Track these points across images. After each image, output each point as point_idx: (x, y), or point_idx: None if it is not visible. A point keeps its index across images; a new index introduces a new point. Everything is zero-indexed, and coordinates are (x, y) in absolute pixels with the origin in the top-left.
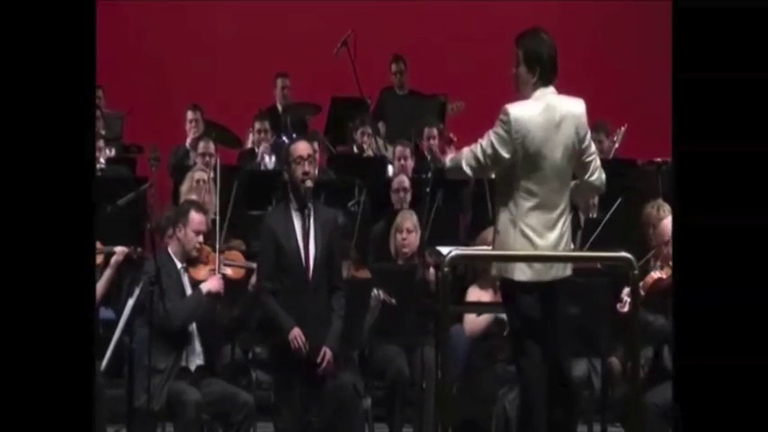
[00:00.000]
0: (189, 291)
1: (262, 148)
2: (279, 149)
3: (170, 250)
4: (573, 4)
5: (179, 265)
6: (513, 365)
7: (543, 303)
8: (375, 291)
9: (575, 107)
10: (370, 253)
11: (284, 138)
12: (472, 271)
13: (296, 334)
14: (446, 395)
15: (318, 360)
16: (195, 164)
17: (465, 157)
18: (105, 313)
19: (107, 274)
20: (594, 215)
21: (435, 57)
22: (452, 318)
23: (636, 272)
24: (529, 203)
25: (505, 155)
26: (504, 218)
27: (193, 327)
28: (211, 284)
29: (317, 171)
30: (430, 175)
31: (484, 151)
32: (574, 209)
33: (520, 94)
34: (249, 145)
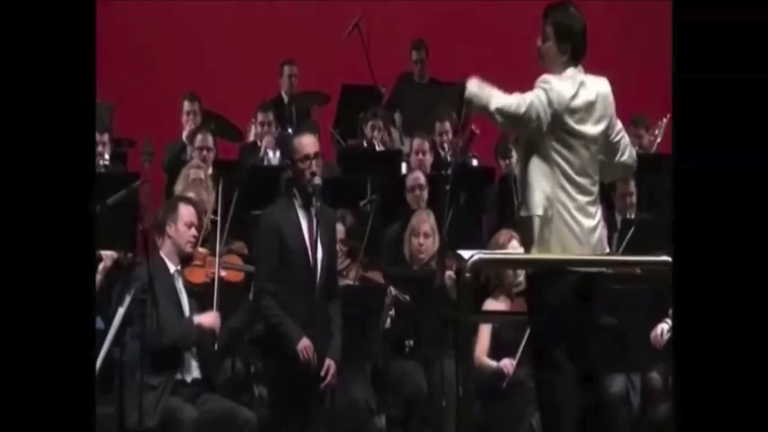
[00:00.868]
0: (184, 297)
1: (265, 142)
2: (284, 143)
3: (162, 254)
4: None
5: (172, 268)
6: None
7: (578, 302)
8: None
9: (603, 86)
10: (382, 257)
11: (289, 130)
12: (496, 278)
13: (306, 345)
14: (468, 413)
15: (323, 373)
16: (191, 159)
17: (501, 99)
18: None
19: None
20: (632, 215)
21: (454, 39)
22: (474, 328)
23: None
24: (568, 187)
25: (546, 118)
26: (540, 204)
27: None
28: (206, 319)
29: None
30: (450, 171)
31: (530, 104)
32: (609, 207)
33: (547, 70)
34: (251, 138)
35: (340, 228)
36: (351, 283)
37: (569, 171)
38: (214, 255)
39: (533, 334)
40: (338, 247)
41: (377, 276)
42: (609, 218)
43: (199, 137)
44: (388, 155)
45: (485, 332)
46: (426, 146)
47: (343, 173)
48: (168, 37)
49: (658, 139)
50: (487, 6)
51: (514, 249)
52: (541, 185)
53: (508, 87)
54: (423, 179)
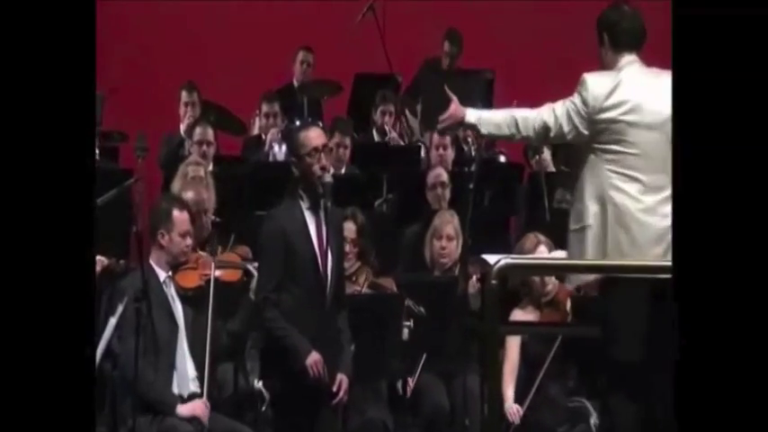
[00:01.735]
0: (177, 306)
1: (270, 135)
2: (289, 138)
3: (152, 261)
4: None
5: (162, 276)
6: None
7: (653, 311)
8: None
9: (664, 80)
10: (399, 262)
11: (298, 122)
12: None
13: (315, 360)
14: None
15: (335, 389)
16: (190, 154)
17: (526, 120)
18: None
19: None
20: None
21: (480, 24)
22: (501, 340)
23: None
24: (627, 188)
25: (584, 130)
26: (590, 213)
27: (185, 347)
28: (193, 410)
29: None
30: (474, 167)
31: (557, 119)
32: None
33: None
34: (256, 131)
35: (350, 227)
36: (360, 289)
37: (625, 170)
38: (211, 257)
39: (607, 350)
40: (347, 248)
41: (388, 283)
42: None
43: (198, 130)
44: (407, 149)
45: (513, 345)
46: (448, 140)
47: (355, 168)
48: (164, 21)
49: None
50: None
51: (545, 254)
52: (591, 191)
53: (541, 78)
54: (444, 176)
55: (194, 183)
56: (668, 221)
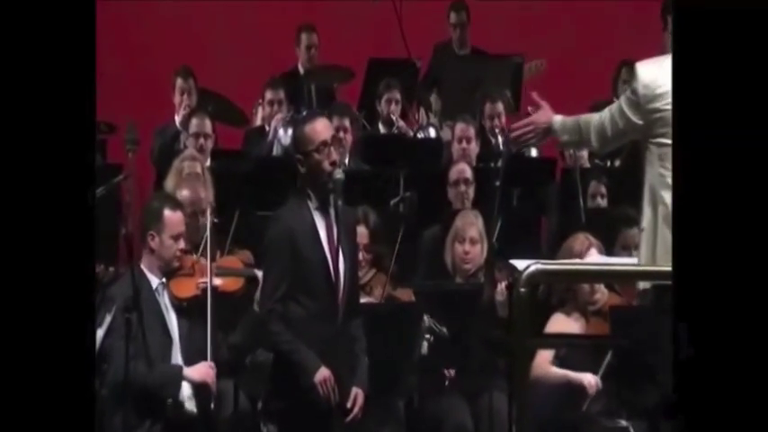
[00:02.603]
0: (171, 316)
1: (274, 122)
2: (294, 132)
3: (143, 266)
4: None
5: (155, 282)
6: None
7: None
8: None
9: None
10: (417, 267)
11: (304, 112)
12: (557, 293)
13: (325, 377)
14: None
15: (349, 405)
16: (186, 148)
17: (588, 123)
18: None
19: None
20: None
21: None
22: (531, 354)
23: None
24: None
25: (638, 121)
26: (645, 214)
27: (179, 362)
28: (197, 373)
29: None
30: (501, 163)
31: (612, 116)
32: None
33: None
34: (258, 122)
35: (362, 230)
36: (374, 300)
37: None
38: (206, 260)
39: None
40: (361, 255)
41: (407, 296)
42: None
43: (194, 121)
44: (426, 142)
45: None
46: (472, 131)
47: (360, 161)
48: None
49: None
50: None
51: (594, 260)
52: (646, 192)
53: (574, 64)
54: (468, 172)
55: (190, 180)
56: None
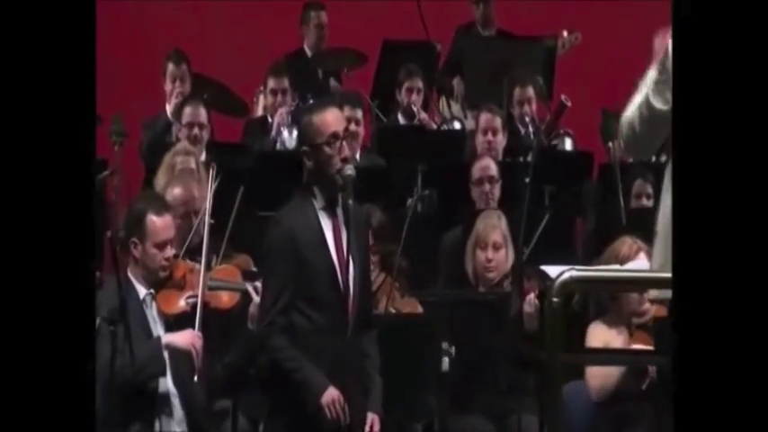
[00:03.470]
0: (159, 330)
1: (278, 117)
2: (300, 122)
3: (129, 274)
4: None
5: (142, 292)
6: None
7: None
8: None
9: None
10: (437, 274)
11: (312, 101)
12: (595, 302)
13: (333, 398)
14: None
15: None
16: (178, 140)
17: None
18: None
19: None
20: None
21: None
22: (566, 371)
23: None
24: None
25: (662, 107)
26: (660, 218)
27: (169, 382)
28: (180, 339)
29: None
30: (531, 157)
31: (640, 108)
32: None
33: None
34: (260, 112)
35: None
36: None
37: None
38: (199, 269)
39: None
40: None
41: (413, 306)
42: None
43: (187, 109)
44: (447, 134)
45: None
46: (498, 122)
47: (375, 156)
48: None
49: None
50: None
51: (641, 266)
52: (665, 194)
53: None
54: (494, 169)
55: (183, 176)
56: None
